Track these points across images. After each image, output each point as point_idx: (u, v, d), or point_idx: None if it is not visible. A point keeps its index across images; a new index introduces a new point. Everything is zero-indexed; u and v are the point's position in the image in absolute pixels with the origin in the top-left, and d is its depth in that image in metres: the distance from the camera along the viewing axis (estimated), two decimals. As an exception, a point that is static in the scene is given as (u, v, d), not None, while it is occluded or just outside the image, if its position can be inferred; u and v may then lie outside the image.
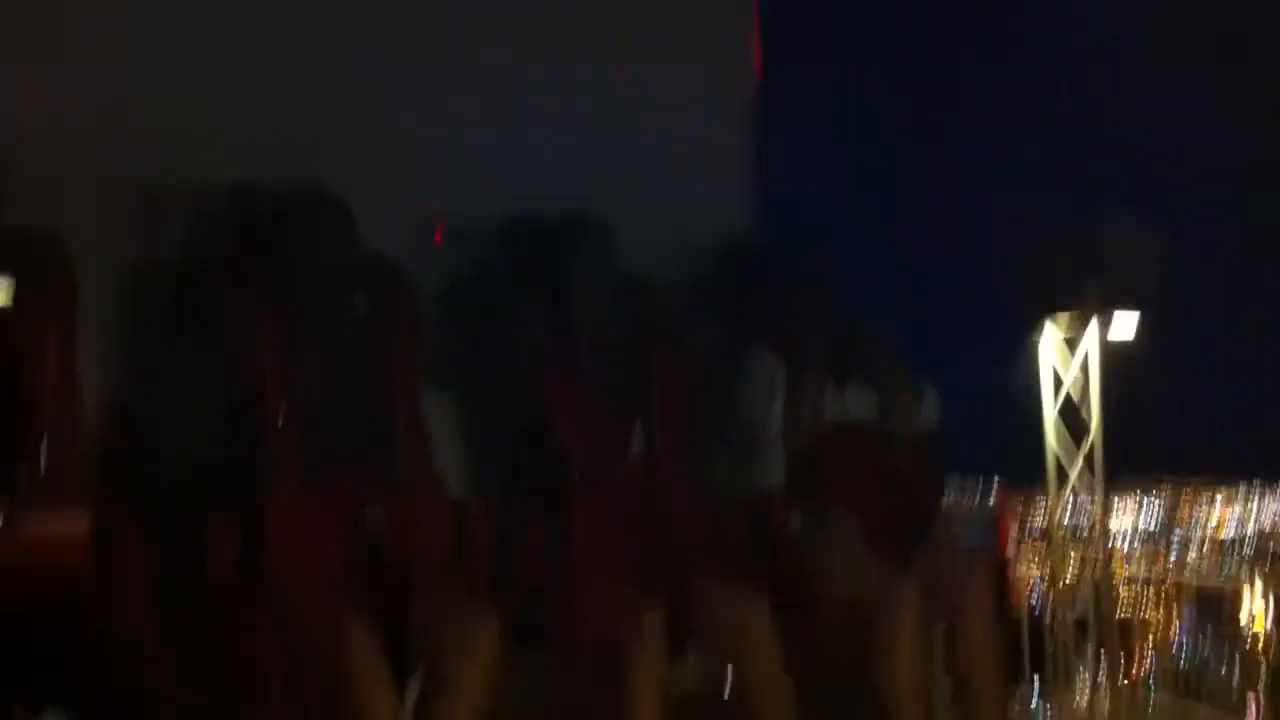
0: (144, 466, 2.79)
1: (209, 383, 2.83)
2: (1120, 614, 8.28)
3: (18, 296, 2.69)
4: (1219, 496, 9.37)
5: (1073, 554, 8.09)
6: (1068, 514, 8.02)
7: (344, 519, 2.80)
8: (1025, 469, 7.94)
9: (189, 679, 2.74)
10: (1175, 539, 8.73)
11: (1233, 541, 9.16)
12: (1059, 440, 7.86)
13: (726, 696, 3.24)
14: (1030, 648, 7.95)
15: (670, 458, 3.32)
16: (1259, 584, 7.46)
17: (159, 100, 3.15)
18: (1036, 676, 7.84)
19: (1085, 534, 8.08)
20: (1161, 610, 7.88)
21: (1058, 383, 7.81)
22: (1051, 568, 8.05)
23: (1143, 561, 8.49)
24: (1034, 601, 8.35)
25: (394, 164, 3.40)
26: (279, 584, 2.70)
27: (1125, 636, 8.47)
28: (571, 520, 3.10)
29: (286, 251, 2.91)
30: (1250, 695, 7.10)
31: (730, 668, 3.21)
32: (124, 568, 2.61)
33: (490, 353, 3.33)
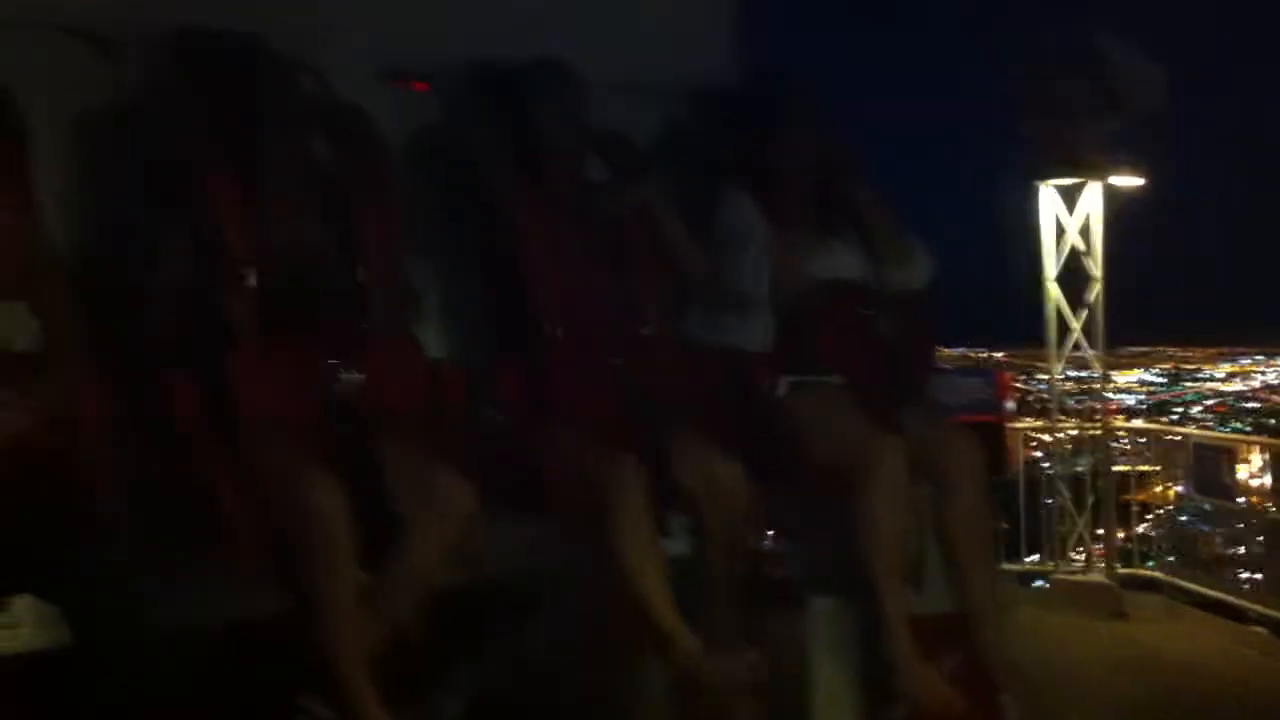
0: (108, 318, 2.72)
1: (172, 233, 2.76)
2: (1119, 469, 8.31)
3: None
4: (1223, 365, 9.36)
5: (1073, 412, 8.08)
6: (1070, 371, 8.00)
7: (313, 371, 2.74)
8: (1028, 328, 7.89)
9: (153, 529, 2.72)
10: (1177, 399, 8.71)
11: (1231, 406, 9.16)
12: (1061, 297, 7.80)
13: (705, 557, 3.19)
14: (1028, 503, 8.02)
15: (650, 312, 3.24)
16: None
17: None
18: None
19: (1087, 389, 8.08)
20: (1161, 465, 7.87)
21: (1058, 241, 7.71)
22: (1051, 424, 8.05)
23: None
24: (1036, 455, 8.37)
25: (353, 11, 3.24)
26: (245, 435, 2.64)
27: (1124, 491, 8.52)
28: (548, 375, 3.03)
29: (242, 98, 2.80)
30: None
31: (706, 531, 3.16)
32: (90, 420, 2.53)
33: (461, 205, 3.24)
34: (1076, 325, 7.73)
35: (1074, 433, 8.03)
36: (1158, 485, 7.96)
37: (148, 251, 2.79)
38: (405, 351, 2.91)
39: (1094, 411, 7.95)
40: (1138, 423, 8.45)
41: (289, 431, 2.67)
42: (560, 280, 3.11)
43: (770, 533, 3.76)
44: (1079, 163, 7.42)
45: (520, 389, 3.02)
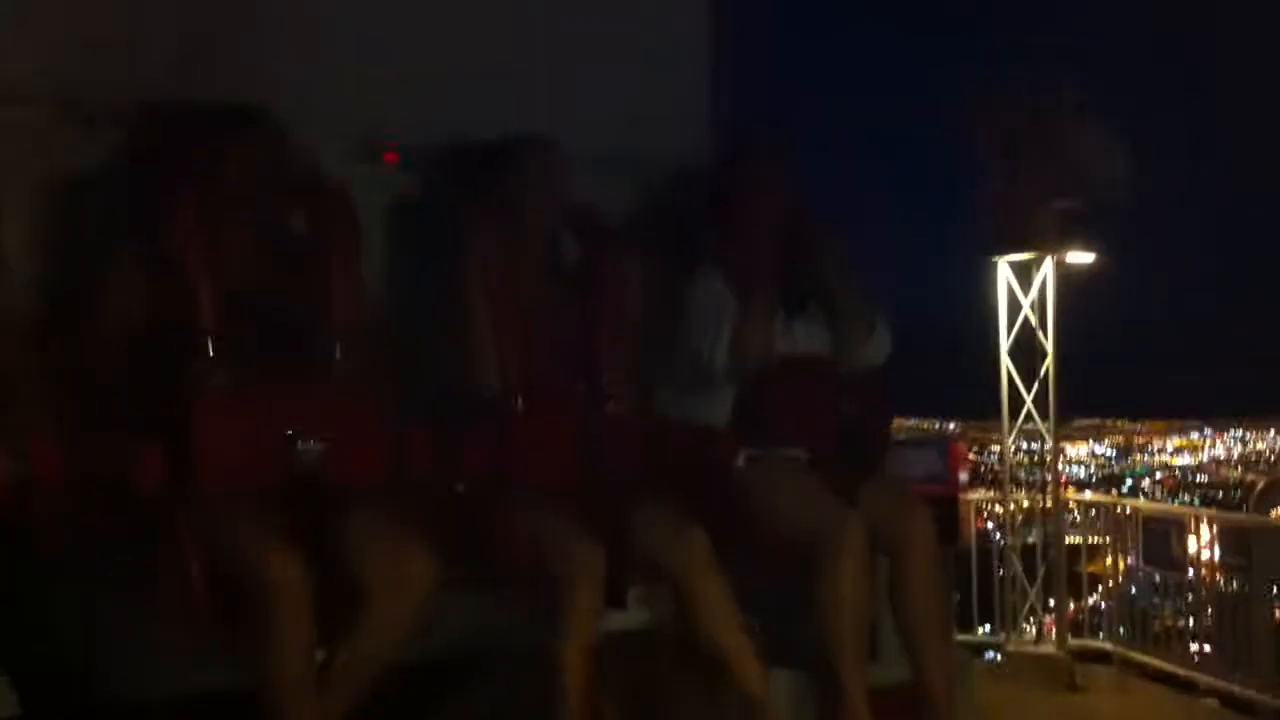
0: (68, 377, 2.71)
1: (137, 295, 2.76)
2: (1071, 541, 8.37)
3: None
4: (1172, 439, 9.52)
5: (1024, 483, 8.15)
6: (1023, 443, 8.07)
7: (275, 438, 2.72)
8: (980, 402, 7.98)
9: (108, 590, 2.69)
10: (1127, 473, 8.82)
11: (1183, 478, 9.28)
12: (1014, 370, 7.90)
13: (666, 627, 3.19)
14: (980, 574, 8.05)
15: (613, 386, 3.26)
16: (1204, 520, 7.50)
17: (86, 16, 3.01)
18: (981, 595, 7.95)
19: (1039, 460, 8.15)
20: (1111, 537, 7.93)
21: (1012, 316, 7.83)
22: (1003, 496, 8.10)
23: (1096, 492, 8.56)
24: (989, 528, 8.42)
25: (335, 82, 3.28)
26: (203, 499, 2.62)
27: (1075, 564, 8.56)
28: (511, 448, 3.03)
29: (219, 163, 2.81)
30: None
31: (672, 597, 3.16)
32: (44, 475, 2.51)
33: (432, 273, 3.26)
34: (1028, 397, 7.83)
35: (1026, 504, 8.10)
36: (1108, 557, 8.02)
37: (110, 312, 2.78)
38: (368, 419, 2.90)
39: (1045, 483, 8.03)
40: (1089, 495, 8.51)
41: (249, 499, 2.65)
42: (525, 351, 3.12)
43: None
44: (1033, 240, 7.55)
45: (482, 460, 3.01)
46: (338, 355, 2.86)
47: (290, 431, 2.72)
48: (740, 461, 3.43)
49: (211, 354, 2.69)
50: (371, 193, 3.18)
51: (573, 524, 3.03)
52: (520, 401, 3.08)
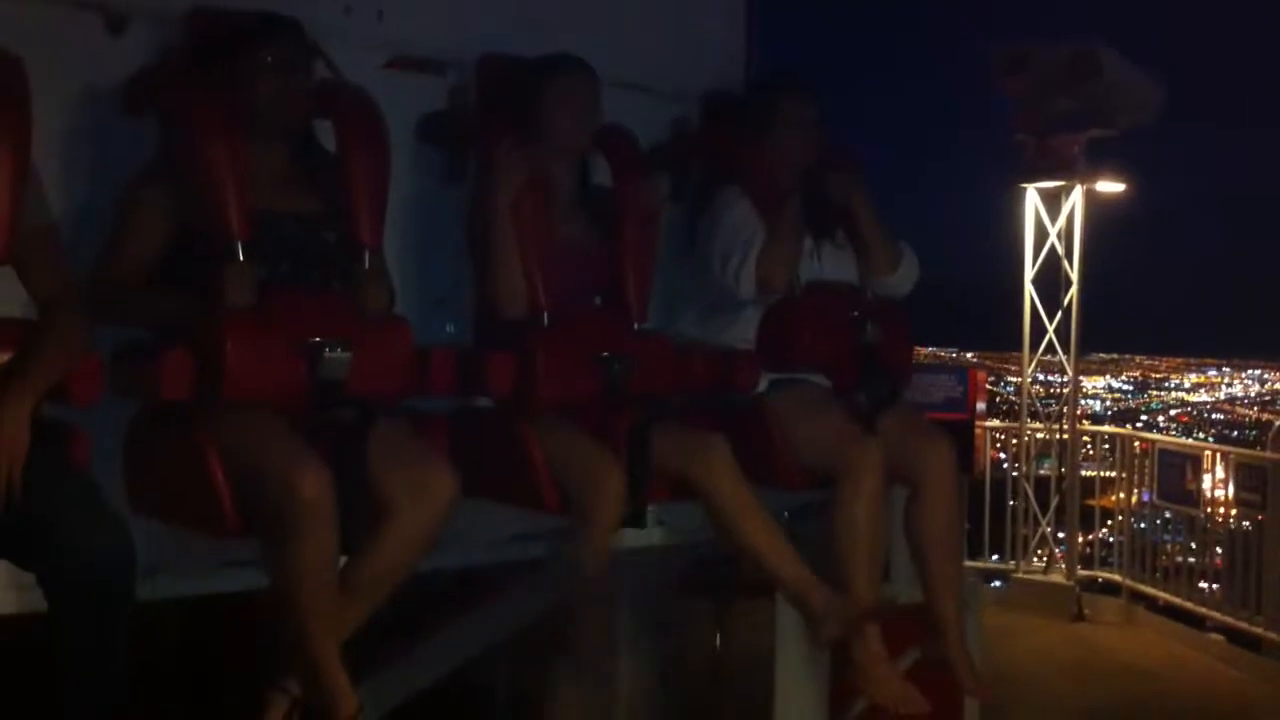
0: (101, 287, 2.73)
1: (166, 203, 2.76)
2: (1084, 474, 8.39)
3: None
4: (1189, 376, 9.51)
5: (1041, 415, 8.15)
6: (1041, 374, 8.07)
7: (303, 348, 2.73)
8: (1000, 333, 7.97)
9: (139, 500, 2.74)
10: (1143, 409, 8.82)
11: (1199, 414, 9.28)
12: (1038, 300, 7.88)
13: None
14: (993, 503, 8.09)
15: (638, 304, 3.26)
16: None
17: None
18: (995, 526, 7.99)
19: (1056, 392, 8.14)
20: (1126, 471, 7.95)
21: (1039, 245, 7.79)
22: (1020, 426, 8.12)
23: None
24: (1002, 457, 8.44)
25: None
26: (230, 410, 2.64)
27: (1088, 495, 8.59)
28: (535, 365, 3.04)
29: (244, 72, 2.79)
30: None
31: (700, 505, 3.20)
32: (83, 383, 2.53)
33: (459, 193, 3.26)
34: (1050, 328, 7.81)
35: (1041, 436, 8.11)
36: (1121, 492, 8.04)
37: (140, 226, 2.79)
38: (394, 335, 2.91)
39: (1062, 415, 8.04)
40: (1106, 428, 8.50)
41: (274, 411, 2.68)
42: (551, 270, 3.12)
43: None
44: (1064, 168, 7.49)
45: (507, 377, 3.03)
46: (364, 268, 2.86)
47: (315, 342, 2.73)
48: (762, 385, 3.45)
49: (239, 265, 2.69)
50: (402, 106, 3.16)
51: (594, 441, 3.05)
52: (545, 319, 3.09)
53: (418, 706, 3.57)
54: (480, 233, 3.13)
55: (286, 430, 2.63)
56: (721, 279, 3.44)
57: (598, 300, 3.30)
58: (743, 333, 3.48)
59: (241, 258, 2.69)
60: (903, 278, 3.65)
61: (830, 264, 3.57)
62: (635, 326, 3.25)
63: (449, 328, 3.30)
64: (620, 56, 3.36)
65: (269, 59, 2.81)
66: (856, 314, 3.54)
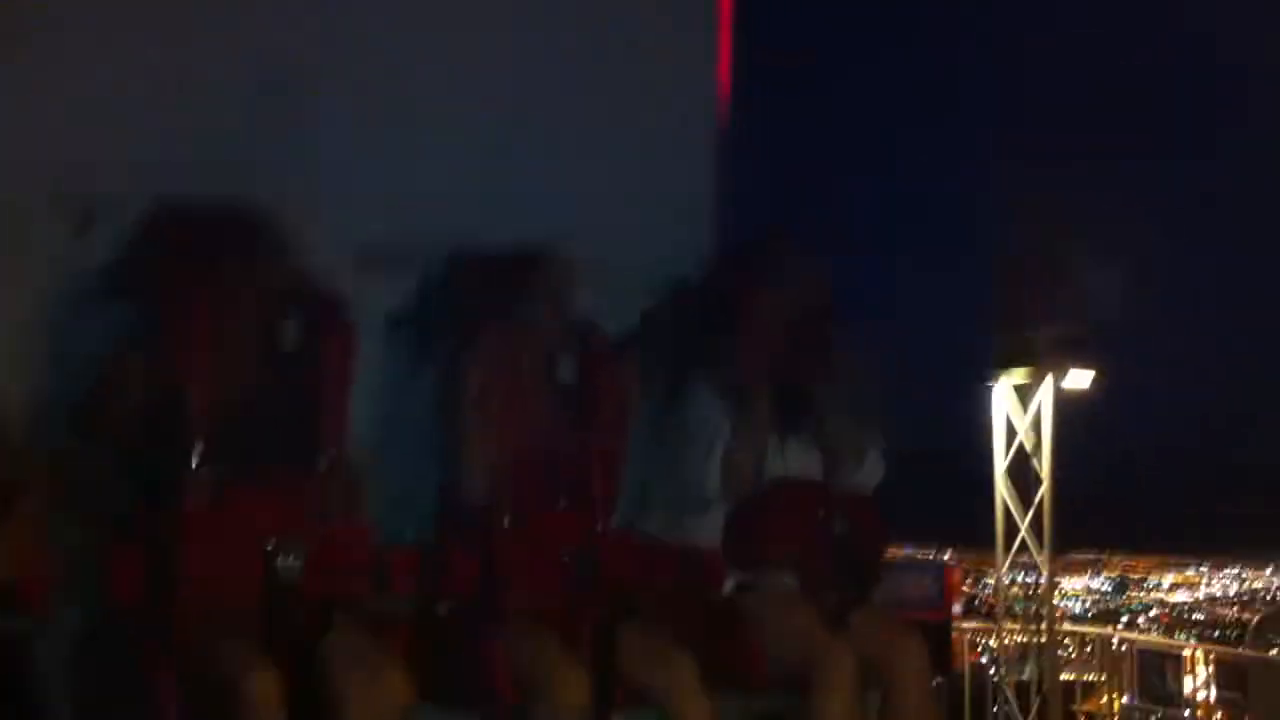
0: (57, 482, 2.68)
1: (129, 397, 2.74)
2: (1065, 677, 8.25)
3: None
4: (1168, 575, 9.48)
5: (1019, 614, 8.05)
6: (1018, 574, 8.00)
7: (259, 552, 2.67)
8: (976, 529, 7.93)
9: (85, 706, 2.63)
10: (1125, 609, 8.76)
11: (1178, 615, 9.21)
12: (1009, 496, 7.85)
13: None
14: (973, 708, 7.91)
15: (606, 504, 3.22)
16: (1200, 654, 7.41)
17: (91, 115, 3.04)
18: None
19: (1033, 592, 8.06)
20: (1107, 673, 7.83)
21: (1008, 442, 7.81)
22: (997, 628, 8.01)
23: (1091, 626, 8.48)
24: (982, 660, 8.31)
25: (335, 191, 3.30)
26: (182, 614, 2.57)
27: (1070, 699, 8.41)
28: (498, 567, 2.98)
29: (214, 269, 2.80)
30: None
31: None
32: (27, 588, 2.47)
33: (421, 387, 3.24)
34: (1023, 525, 7.76)
35: (1021, 638, 7.99)
36: (1104, 695, 7.90)
37: (97, 418, 2.76)
38: (354, 535, 2.86)
39: (1040, 616, 7.93)
40: (1085, 627, 8.43)
41: (231, 615, 2.61)
42: (516, 468, 3.09)
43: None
44: (1033, 359, 7.56)
45: (469, 578, 2.97)
46: (325, 468, 2.83)
47: (272, 545, 2.67)
48: (729, 586, 3.39)
49: (197, 464, 2.65)
50: (372, 298, 3.17)
51: (557, 649, 2.97)
52: (509, 520, 3.04)
53: None
54: (446, 426, 3.10)
55: (238, 635, 2.56)
56: (687, 476, 3.40)
57: (565, 497, 3.26)
58: (708, 530, 3.43)
59: (201, 459, 2.66)
60: (869, 473, 3.62)
61: (796, 458, 3.54)
62: (602, 523, 3.20)
63: (410, 529, 3.25)
64: (588, 249, 3.38)
65: (235, 251, 2.82)
66: (824, 510, 3.50)
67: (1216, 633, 7.82)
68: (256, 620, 2.63)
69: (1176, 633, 8.05)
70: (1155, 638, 7.99)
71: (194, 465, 2.66)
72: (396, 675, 2.66)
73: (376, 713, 2.62)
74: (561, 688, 2.89)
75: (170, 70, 3.17)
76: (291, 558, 2.69)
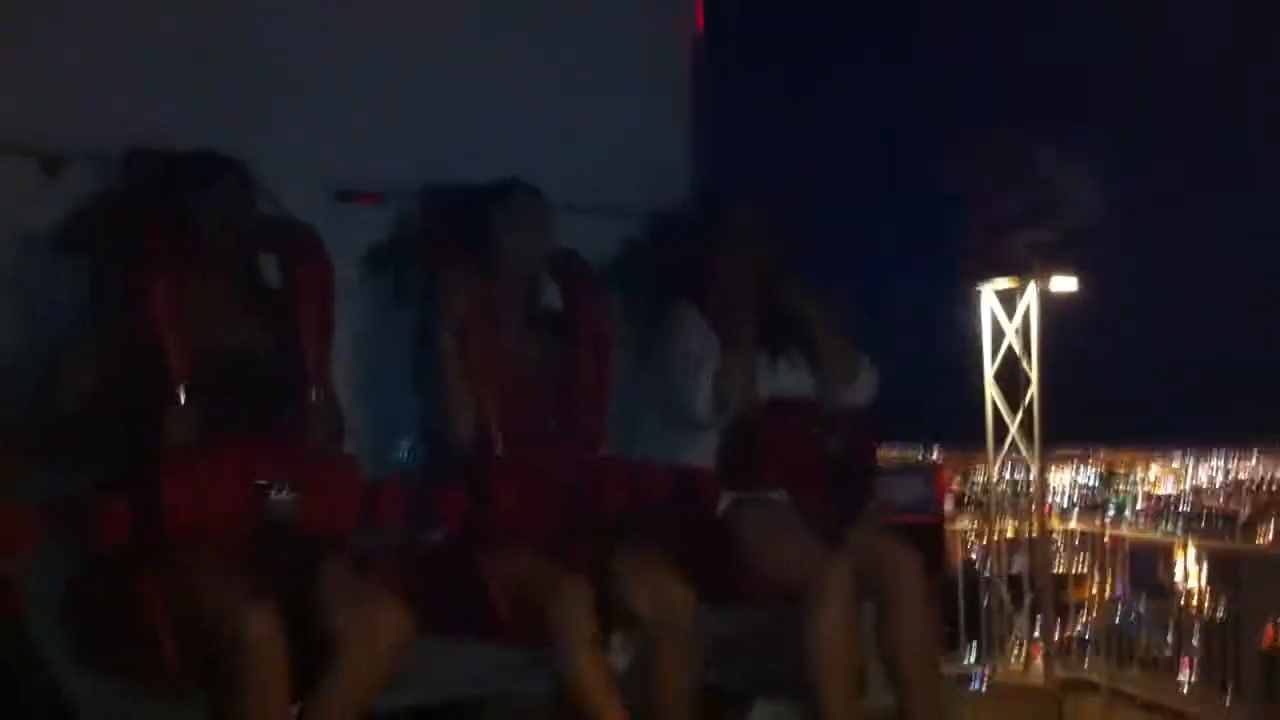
0: (39, 429, 2.66)
1: (108, 345, 2.71)
2: (1056, 569, 8.34)
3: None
4: (1154, 466, 9.55)
5: (1009, 511, 8.11)
6: (1007, 472, 8.05)
7: (247, 489, 2.66)
8: (965, 429, 7.97)
9: (80, 653, 2.64)
10: (1111, 501, 8.83)
11: (1166, 505, 9.29)
12: (999, 398, 7.88)
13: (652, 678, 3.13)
14: (967, 603, 8.01)
15: (595, 431, 3.22)
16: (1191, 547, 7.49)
17: (61, 64, 2.97)
18: (973, 643, 7.90)
19: (1023, 490, 8.12)
20: (1097, 565, 7.91)
21: (996, 343, 7.82)
22: (989, 525, 8.08)
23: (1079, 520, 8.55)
24: (973, 557, 8.39)
25: (310, 130, 3.25)
26: (174, 554, 2.56)
27: (1061, 591, 8.52)
28: (490, 495, 2.98)
29: (186, 211, 2.76)
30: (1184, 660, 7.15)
31: (653, 650, 3.10)
32: (13, 535, 2.45)
33: (409, 322, 3.22)
34: (1013, 425, 7.80)
35: (1011, 534, 8.07)
36: (1093, 586, 7.99)
37: (79, 364, 2.73)
38: (342, 469, 2.85)
39: (1031, 512, 7.99)
40: (1075, 523, 8.53)
41: (219, 554, 2.60)
42: (506, 398, 3.08)
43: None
44: (1016, 268, 7.55)
45: (461, 508, 2.96)
46: (310, 404, 2.81)
47: (260, 483, 2.66)
48: (724, 505, 3.40)
49: (181, 406, 2.63)
50: (347, 237, 3.14)
51: (553, 572, 2.97)
52: (499, 448, 3.03)
53: None
54: (430, 361, 3.09)
55: (231, 574, 2.55)
56: (677, 400, 3.40)
57: (554, 425, 3.25)
58: (702, 452, 3.43)
59: (183, 400, 2.64)
60: (861, 389, 3.62)
61: (787, 378, 3.54)
62: (592, 450, 3.20)
63: (403, 450, 3.23)
64: (566, 178, 3.35)
65: (208, 196, 2.79)
66: (817, 429, 3.50)
67: (1203, 523, 7.92)
68: (248, 560, 2.62)
69: (1163, 523, 8.16)
70: (1145, 532, 8.05)
71: (177, 408, 2.63)
72: (392, 608, 2.66)
73: (373, 647, 2.62)
74: (569, 597, 2.90)
75: (134, 14, 3.10)
76: (280, 497, 2.68)
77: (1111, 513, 8.75)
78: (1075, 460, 9.12)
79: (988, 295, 7.78)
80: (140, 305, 2.69)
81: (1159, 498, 9.12)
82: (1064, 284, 7.69)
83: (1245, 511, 8.61)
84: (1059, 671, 7.67)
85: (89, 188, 2.87)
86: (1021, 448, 7.83)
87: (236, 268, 2.87)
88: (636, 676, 3.12)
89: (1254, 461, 10.38)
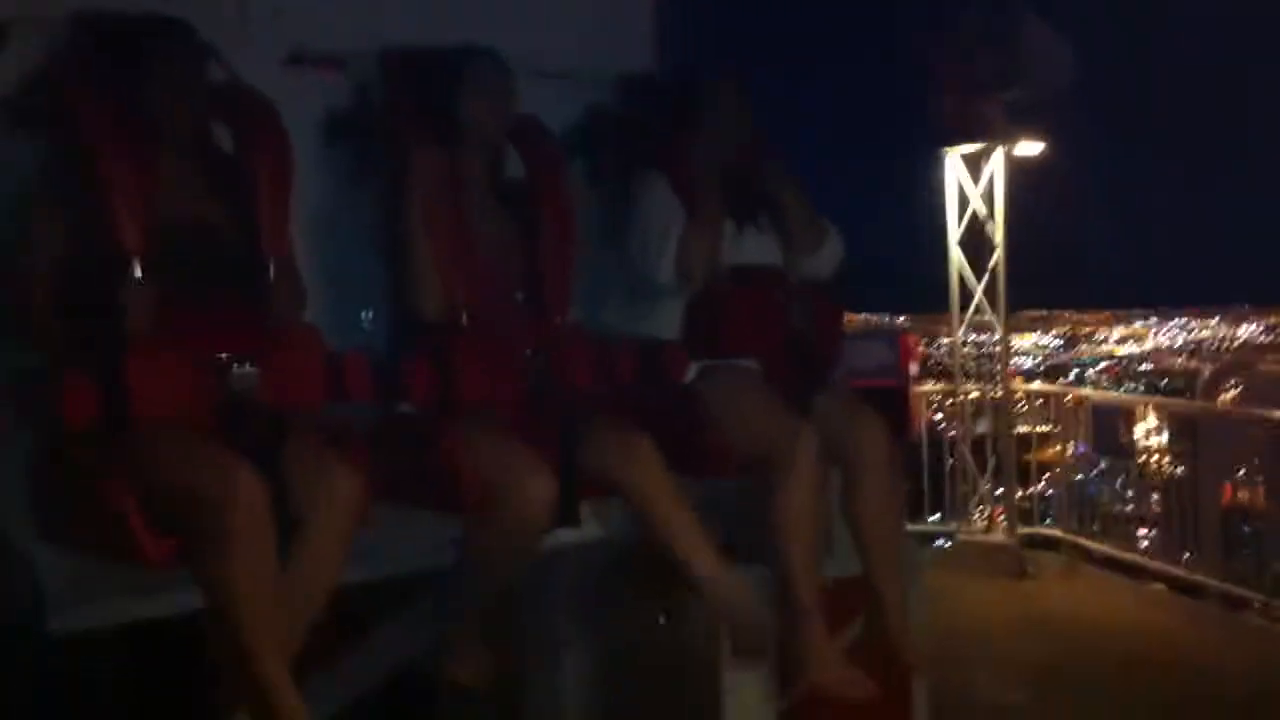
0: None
1: (61, 222, 2.65)
2: (1019, 430, 8.45)
3: None
4: (1117, 329, 9.65)
5: (973, 375, 8.18)
6: (971, 335, 8.11)
7: (210, 363, 2.64)
8: (930, 294, 7.99)
9: (48, 529, 2.64)
10: (1073, 362, 8.93)
11: (1127, 366, 9.42)
12: (963, 263, 7.90)
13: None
14: (931, 464, 8.13)
15: (559, 303, 3.19)
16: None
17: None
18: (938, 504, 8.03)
19: (987, 352, 8.19)
20: (1060, 425, 8.03)
21: (962, 208, 7.81)
22: (953, 388, 8.15)
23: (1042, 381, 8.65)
24: (937, 418, 8.48)
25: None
26: (143, 430, 2.53)
27: (1025, 452, 8.65)
28: (455, 368, 2.96)
29: (136, 78, 2.68)
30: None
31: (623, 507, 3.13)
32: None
33: (370, 192, 3.16)
34: (978, 290, 7.83)
35: (975, 396, 8.15)
36: (1056, 445, 8.11)
37: (33, 240, 2.68)
38: (304, 344, 2.82)
39: (995, 375, 8.08)
40: (1037, 384, 8.59)
41: (190, 429, 2.58)
42: (468, 269, 3.05)
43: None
44: (982, 131, 7.51)
45: (427, 381, 2.95)
46: (271, 277, 2.77)
47: (224, 356, 2.64)
48: (691, 373, 3.39)
49: (139, 283, 2.58)
50: (304, 106, 3.07)
51: (519, 445, 2.97)
52: (464, 320, 3.01)
53: (358, 709, 3.49)
54: (393, 233, 3.04)
55: (205, 443, 2.54)
56: (642, 267, 3.37)
57: (518, 297, 3.22)
58: (668, 321, 3.42)
59: (140, 275, 2.60)
60: (827, 258, 3.61)
61: (753, 247, 3.52)
62: (557, 321, 3.17)
63: (365, 316, 3.20)
64: (529, 44, 3.27)
65: (158, 62, 2.71)
66: (783, 298, 3.49)
67: (1165, 381, 8.00)
68: (213, 433, 2.60)
69: (1124, 384, 8.23)
70: (1107, 393, 8.14)
71: (135, 285, 2.59)
72: (349, 475, 2.64)
73: (338, 519, 2.62)
74: (527, 483, 2.90)
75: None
76: (242, 370, 2.66)
77: (1074, 374, 8.84)
78: (1039, 325, 9.18)
79: (953, 160, 7.76)
80: (91, 180, 2.63)
81: (1121, 358, 9.20)
82: (1030, 148, 7.67)
83: (1205, 373, 8.72)
84: (1021, 529, 7.84)
85: (35, 55, 2.78)
86: (987, 310, 7.89)
87: (189, 137, 2.80)
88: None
89: (1215, 321, 10.47)
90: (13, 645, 2.40)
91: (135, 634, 2.93)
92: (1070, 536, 7.69)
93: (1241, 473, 6.96)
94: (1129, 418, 7.56)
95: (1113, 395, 8.02)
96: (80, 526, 2.63)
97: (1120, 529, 7.48)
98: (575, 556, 3.46)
